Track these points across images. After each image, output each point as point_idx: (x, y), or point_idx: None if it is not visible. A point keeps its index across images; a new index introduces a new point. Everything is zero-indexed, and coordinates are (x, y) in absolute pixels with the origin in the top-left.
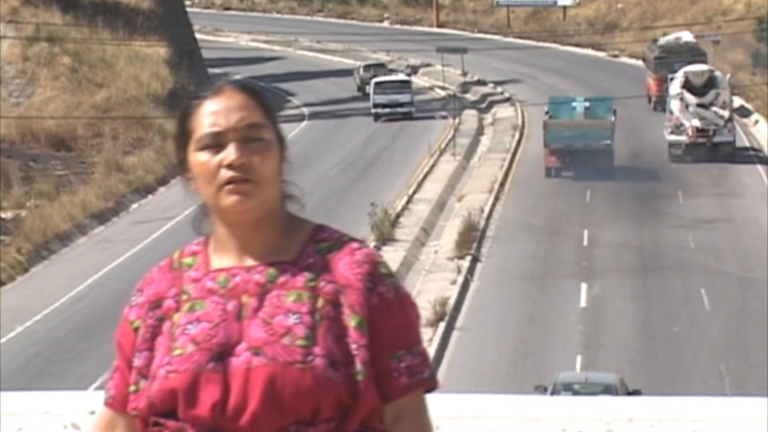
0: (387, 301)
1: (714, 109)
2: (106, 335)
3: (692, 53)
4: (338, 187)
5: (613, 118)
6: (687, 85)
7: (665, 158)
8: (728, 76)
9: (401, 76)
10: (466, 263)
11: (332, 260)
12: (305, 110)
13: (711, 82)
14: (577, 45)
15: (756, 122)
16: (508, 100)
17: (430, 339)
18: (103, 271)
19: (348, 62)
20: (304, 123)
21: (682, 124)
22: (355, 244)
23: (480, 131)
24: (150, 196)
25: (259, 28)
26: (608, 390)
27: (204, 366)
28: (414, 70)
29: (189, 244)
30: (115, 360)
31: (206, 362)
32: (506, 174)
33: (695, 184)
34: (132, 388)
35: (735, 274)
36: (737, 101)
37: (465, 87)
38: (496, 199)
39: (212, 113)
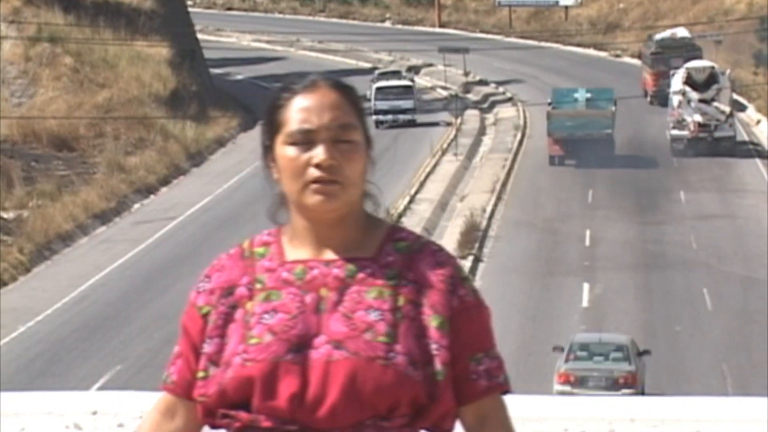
0: (467, 304)
1: (715, 104)
2: (108, 335)
3: (687, 48)
4: None
5: (613, 108)
6: (689, 81)
7: (667, 152)
8: (728, 71)
9: (404, 81)
10: (468, 263)
11: (413, 260)
12: None
13: (712, 78)
14: (579, 45)
15: (758, 122)
16: (509, 100)
17: None
18: (105, 272)
19: (350, 62)
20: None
21: (684, 119)
22: (434, 246)
23: (482, 131)
24: (152, 196)
25: (261, 28)
26: (620, 349)
27: (282, 356)
28: (416, 70)
29: (258, 234)
30: (177, 345)
31: (285, 353)
32: (508, 174)
33: (696, 180)
34: (200, 374)
35: (738, 274)
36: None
37: (467, 87)
38: (498, 198)
39: (305, 109)
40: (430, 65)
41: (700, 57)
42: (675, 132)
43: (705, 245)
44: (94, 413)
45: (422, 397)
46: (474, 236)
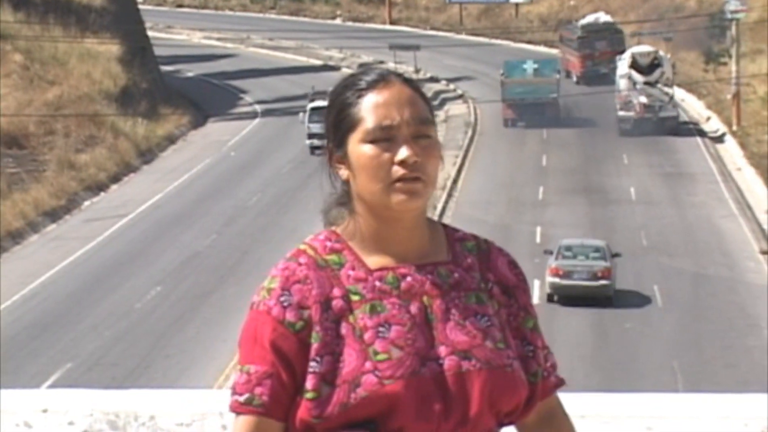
0: (534, 307)
1: (659, 86)
2: (58, 333)
3: (610, 32)
4: (291, 185)
5: (557, 76)
6: (634, 65)
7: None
8: (669, 56)
9: None
10: None
11: (487, 260)
12: (258, 107)
13: (656, 63)
14: (529, 42)
15: (708, 119)
16: (460, 97)
17: None
18: (55, 269)
19: (301, 59)
20: (257, 120)
21: (630, 101)
22: (494, 244)
23: None
24: (102, 194)
25: (211, 26)
26: (598, 250)
27: (418, 371)
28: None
29: (312, 239)
30: (257, 364)
31: (419, 367)
32: (459, 171)
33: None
34: (310, 395)
35: (689, 271)
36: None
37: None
38: (449, 196)
39: (382, 105)
40: (381, 62)
41: (622, 40)
42: (622, 113)
43: (656, 244)
44: (45, 411)
45: (523, 400)
46: None
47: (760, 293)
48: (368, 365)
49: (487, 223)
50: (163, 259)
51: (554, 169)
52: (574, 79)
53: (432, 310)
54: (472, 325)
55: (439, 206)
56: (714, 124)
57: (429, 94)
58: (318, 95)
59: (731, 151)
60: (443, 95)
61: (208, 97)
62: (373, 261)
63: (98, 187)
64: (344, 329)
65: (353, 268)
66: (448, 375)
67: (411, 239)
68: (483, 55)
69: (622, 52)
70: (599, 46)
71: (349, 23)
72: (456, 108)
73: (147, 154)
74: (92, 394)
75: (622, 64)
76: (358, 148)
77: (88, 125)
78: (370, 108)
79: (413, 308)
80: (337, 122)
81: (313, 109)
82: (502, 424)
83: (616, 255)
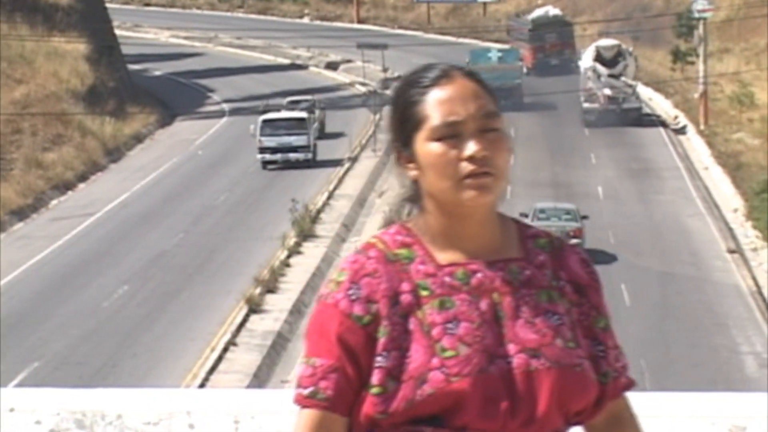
0: (606, 307)
1: (623, 78)
2: (25, 332)
3: (560, 24)
4: (259, 184)
5: (520, 63)
6: (598, 58)
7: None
8: (632, 49)
9: (297, 114)
10: None
11: (561, 258)
12: (225, 106)
13: (619, 56)
14: (497, 41)
15: (676, 118)
16: None
17: None
18: (22, 268)
19: (268, 58)
20: (225, 119)
21: (594, 93)
22: (568, 243)
23: None
24: (70, 193)
25: (179, 24)
26: (569, 212)
27: (486, 369)
28: (335, 66)
29: (382, 234)
30: (323, 357)
31: (487, 365)
32: None
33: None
34: (376, 390)
35: (655, 270)
36: None
37: (386, 83)
38: None
39: (446, 101)
40: (349, 61)
41: (571, 33)
42: (587, 105)
43: (623, 241)
44: (12, 410)
45: (593, 401)
46: None
47: (727, 292)
48: (435, 362)
49: None
50: (131, 258)
51: (521, 165)
52: (525, 70)
53: (502, 307)
54: (543, 323)
55: None
56: (680, 122)
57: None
58: (270, 107)
59: (699, 149)
60: None
61: (175, 96)
62: (444, 257)
63: (65, 186)
64: (412, 324)
65: (423, 263)
66: (516, 373)
67: (482, 235)
68: (451, 54)
69: (572, 44)
70: (549, 39)
71: (317, 22)
72: None
73: (114, 153)
74: (59, 393)
75: (587, 57)
76: (425, 147)
77: (55, 124)
78: (434, 105)
79: (483, 305)
80: (403, 121)
81: (265, 121)
82: (570, 425)
83: (584, 217)
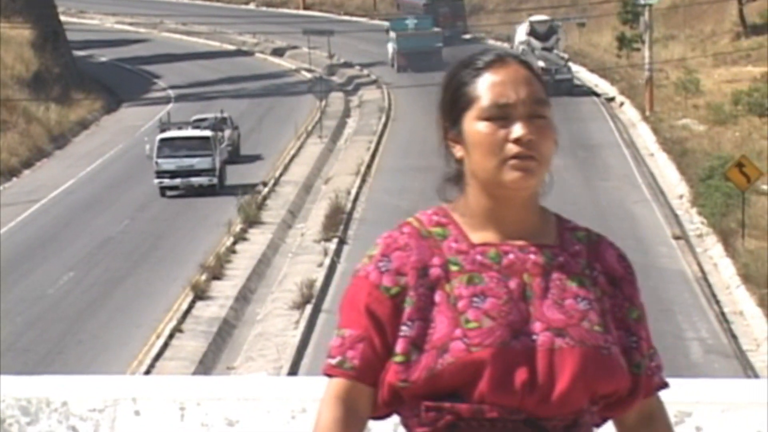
0: (641, 301)
1: (555, 51)
2: None
3: (452, 0)
4: None
5: (436, 29)
6: (532, 33)
7: None
8: (561, 24)
9: (200, 132)
10: (332, 245)
11: (597, 250)
12: (171, 92)
13: (552, 30)
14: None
15: (621, 104)
16: (374, 82)
17: (296, 321)
18: None
19: (214, 45)
20: (171, 105)
21: None
22: (606, 238)
23: (346, 113)
24: (14, 179)
25: (124, 10)
26: None
27: (508, 342)
28: (281, 52)
29: (419, 213)
30: (349, 328)
31: (509, 339)
32: (373, 156)
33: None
34: (399, 358)
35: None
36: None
37: (331, 69)
38: (363, 181)
39: (499, 84)
40: (295, 47)
41: (462, 8)
42: None
43: None
44: None
45: (625, 390)
46: (339, 219)
47: (672, 278)
48: (458, 332)
49: (401, 209)
50: (76, 245)
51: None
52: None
53: (531, 287)
54: (571, 305)
55: (353, 191)
56: (627, 110)
57: (343, 80)
58: (170, 125)
59: (644, 136)
60: (357, 80)
61: (121, 82)
62: (479, 236)
63: (10, 173)
64: (438, 297)
65: (456, 241)
66: (539, 350)
67: (520, 220)
68: None
69: (463, 17)
70: (442, 12)
71: (263, 8)
72: (370, 93)
73: (59, 140)
74: (4, 380)
75: (521, 31)
76: (474, 126)
77: (0, 110)
78: (486, 86)
79: (512, 284)
80: (454, 100)
81: (163, 140)
82: (603, 415)
83: None
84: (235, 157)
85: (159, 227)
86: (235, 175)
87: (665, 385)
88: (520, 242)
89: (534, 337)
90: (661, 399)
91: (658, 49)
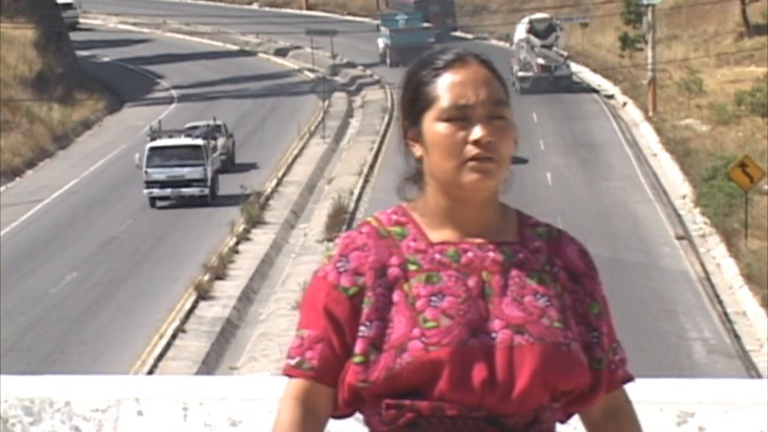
0: (603, 295)
1: (555, 49)
2: None
3: None
4: None
5: (427, 25)
6: (532, 31)
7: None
8: (560, 22)
9: (191, 140)
10: None
11: (557, 246)
12: (174, 93)
13: (551, 28)
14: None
15: (624, 104)
16: (377, 82)
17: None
18: None
19: (217, 45)
20: (174, 105)
21: (528, 63)
22: (568, 233)
23: (349, 114)
24: (18, 179)
25: (127, 11)
26: None
27: (466, 341)
28: (284, 52)
29: (378, 213)
30: (308, 329)
31: (468, 337)
32: (375, 156)
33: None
34: (358, 359)
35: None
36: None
37: (334, 69)
38: (366, 181)
39: (458, 84)
40: (298, 48)
41: (452, 5)
42: (521, 73)
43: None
44: None
45: (586, 386)
46: (341, 219)
47: (675, 278)
48: (416, 332)
49: None
50: (79, 245)
51: None
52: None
53: (490, 285)
54: (531, 302)
55: (356, 191)
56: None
57: (346, 80)
58: (160, 133)
59: (647, 136)
60: (360, 81)
61: (124, 83)
62: (437, 235)
63: (13, 173)
64: (397, 296)
65: (415, 240)
66: (498, 348)
67: (479, 219)
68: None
69: (453, 15)
70: (432, 10)
71: (266, 8)
72: (373, 93)
73: (62, 140)
74: (6, 380)
75: (520, 30)
76: (433, 127)
77: (2, 110)
78: (446, 87)
79: (471, 282)
80: (413, 100)
81: (153, 149)
82: (569, 413)
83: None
84: (229, 166)
85: (161, 227)
86: (231, 184)
87: (630, 379)
88: (479, 240)
89: (493, 334)
90: (627, 392)
91: (661, 49)
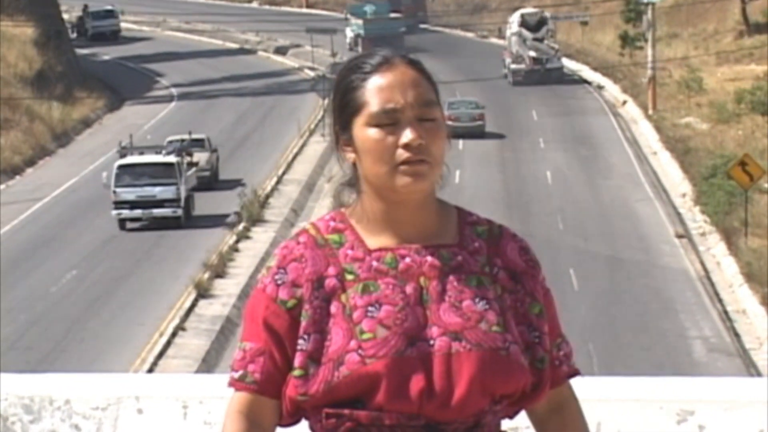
0: (546, 290)
1: (546, 42)
2: None
3: None
4: None
5: (395, 15)
6: (524, 24)
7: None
8: (550, 14)
9: (163, 158)
10: None
11: (497, 245)
12: (174, 91)
13: (542, 21)
14: (445, 26)
15: (624, 102)
16: None
17: None
18: None
19: (217, 43)
20: (173, 104)
21: (521, 55)
22: (509, 230)
23: None
24: (18, 177)
25: (127, 9)
26: (472, 102)
27: (403, 351)
28: (283, 50)
29: (317, 220)
30: (249, 341)
31: (405, 347)
32: None
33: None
34: (297, 372)
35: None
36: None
37: (334, 67)
38: None
39: (385, 88)
40: (298, 46)
41: (423, 1)
42: (514, 66)
43: (572, 227)
44: None
45: (528, 386)
46: None
47: (675, 277)
48: (353, 344)
49: None
50: (79, 243)
51: (470, 152)
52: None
53: (428, 291)
54: (469, 307)
55: None
56: (630, 108)
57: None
58: (130, 150)
59: (647, 135)
60: None
61: (124, 81)
62: (375, 242)
63: (13, 171)
64: (334, 308)
65: (352, 248)
66: (436, 356)
67: (417, 221)
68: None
69: (423, 6)
70: (405, 1)
71: (266, 6)
72: None
73: (62, 138)
74: (6, 378)
75: (513, 24)
76: (363, 132)
77: (2, 108)
78: (373, 91)
79: (408, 288)
80: (342, 106)
81: (122, 167)
82: (512, 410)
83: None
84: (213, 182)
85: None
86: (210, 203)
87: (575, 373)
88: (417, 245)
89: (431, 342)
90: (572, 387)
91: (661, 47)
